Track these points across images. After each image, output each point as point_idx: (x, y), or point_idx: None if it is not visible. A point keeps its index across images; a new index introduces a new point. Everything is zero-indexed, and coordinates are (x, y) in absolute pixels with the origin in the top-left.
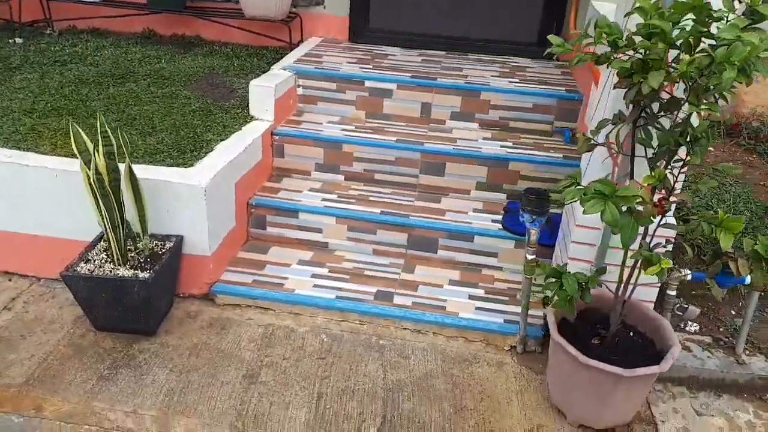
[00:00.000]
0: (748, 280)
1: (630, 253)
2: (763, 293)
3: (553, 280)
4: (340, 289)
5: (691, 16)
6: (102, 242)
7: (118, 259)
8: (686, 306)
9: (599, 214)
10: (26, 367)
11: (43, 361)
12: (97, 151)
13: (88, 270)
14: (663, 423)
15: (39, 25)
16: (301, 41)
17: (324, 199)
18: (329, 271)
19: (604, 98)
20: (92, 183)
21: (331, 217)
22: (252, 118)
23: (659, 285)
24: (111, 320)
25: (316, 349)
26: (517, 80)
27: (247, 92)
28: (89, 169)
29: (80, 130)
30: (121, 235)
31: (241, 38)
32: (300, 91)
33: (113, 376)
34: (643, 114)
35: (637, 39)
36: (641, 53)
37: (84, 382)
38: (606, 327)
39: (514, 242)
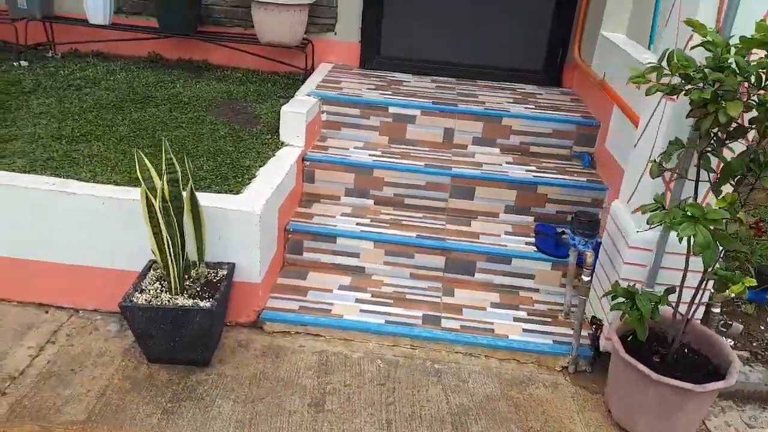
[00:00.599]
0: None
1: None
2: None
3: (623, 300)
4: (387, 313)
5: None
6: (152, 271)
7: (175, 288)
8: (730, 323)
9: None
10: (85, 402)
11: (101, 396)
12: (161, 178)
13: (145, 300)
14: None
15: (41, 48)
16: (313, 67)
17: (358, 224)
18: (372, 296)
19: (653, 127)
20: (158, 211)
21: (369, 241)
22: (283, 144)
23: (706, 303)
24: (167, 351)
25: (374, 375)
26: (532, 106)
27: (271, 118)
28: (155, 197)
29: (144, 157)
30: (182, 263)
31: (251, 63)
32: (324, 117)
33: (177, 409)
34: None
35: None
36: (710, 84)
37: (148, 416)
38: (661, 344)
39: (550, 264)
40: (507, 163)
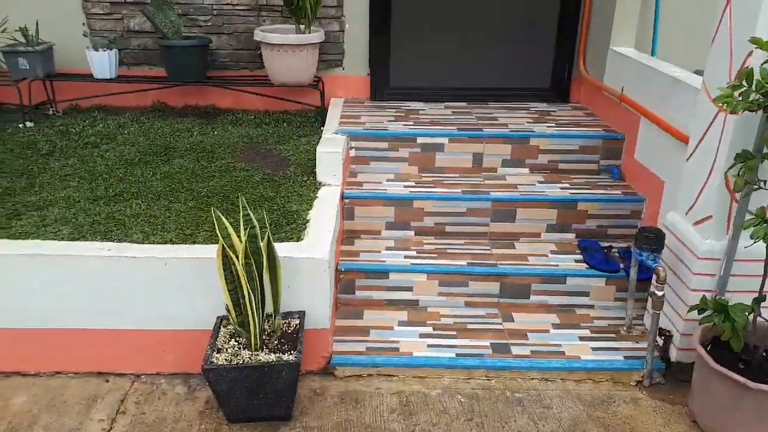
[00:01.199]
0: None
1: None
2: None
3: (713, 312)
4: (454, 346)
5: None
6: (223, 328)
7: (255, 344)
8: None
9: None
10: None
11: None
12: (239, 235)
13: (225, 360)
14: None
15: (41, 106)
16: (323, 103)
17: (407, 257)
18: (434, 329)
19: (711, 140)
20: (240, 268)
21: (422, 274)
22: (321, 184)
23: None
24: (248, 410)
25: (459, 411)
26: (553, 124)
27: (300, 158)
28: (236, 255)
29: (221, 215)
30: (263, 318)
31: (260, 104)
32: (353, 152)
33: None
34: None
35: None
36: None
37: None
38: (741, 351)
39: (604, 280)
40: (539, 182)
